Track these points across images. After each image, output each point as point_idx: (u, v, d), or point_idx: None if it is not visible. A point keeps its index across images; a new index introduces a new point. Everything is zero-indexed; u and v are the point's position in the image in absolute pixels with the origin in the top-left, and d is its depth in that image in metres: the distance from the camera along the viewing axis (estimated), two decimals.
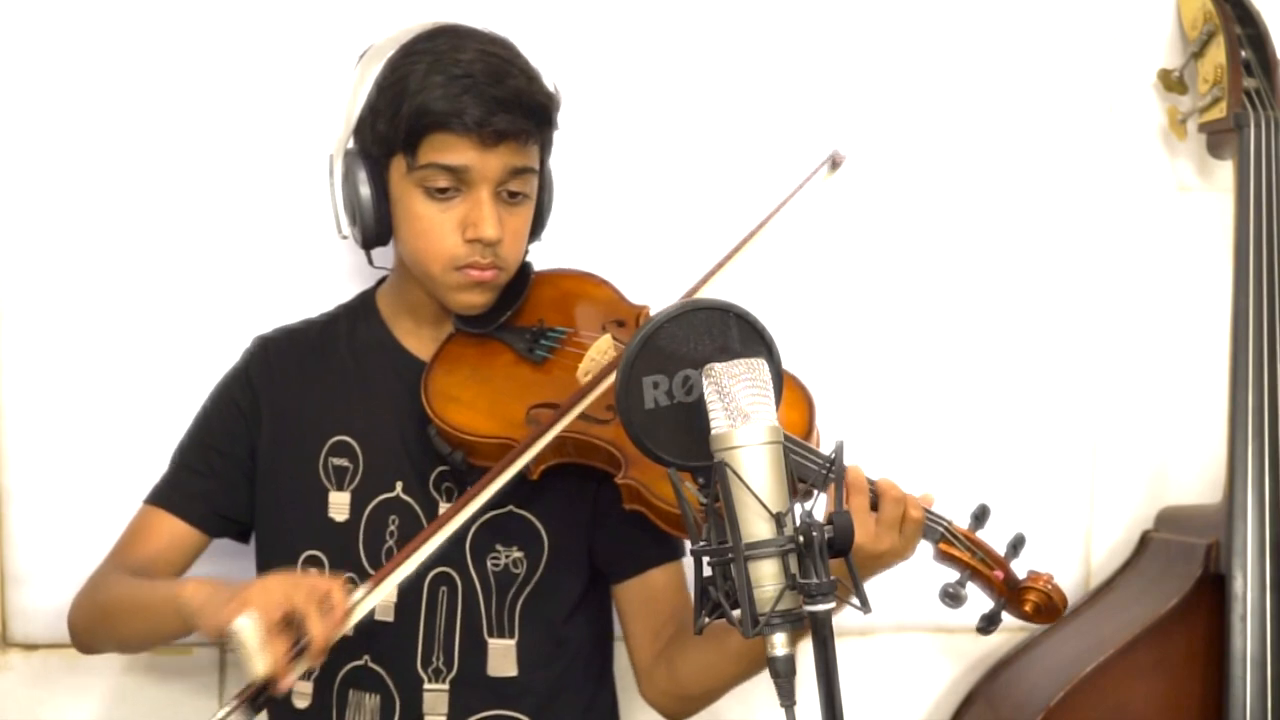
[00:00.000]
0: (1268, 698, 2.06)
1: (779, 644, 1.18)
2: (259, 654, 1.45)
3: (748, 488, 1.19)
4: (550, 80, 1.75)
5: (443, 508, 1.75)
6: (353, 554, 1.76)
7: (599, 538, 1.81)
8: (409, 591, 1.75)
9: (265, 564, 1.82)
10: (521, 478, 1.67)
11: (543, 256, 1.87)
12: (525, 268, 1.82)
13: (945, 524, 1.67)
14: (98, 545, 1.84)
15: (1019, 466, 2.22)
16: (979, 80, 2.21)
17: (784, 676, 1.18)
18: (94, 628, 1.78)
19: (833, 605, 1.18)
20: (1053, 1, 2.23)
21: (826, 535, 1.18)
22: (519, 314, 1.82)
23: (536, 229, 1.82)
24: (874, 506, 1.61)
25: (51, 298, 2.02)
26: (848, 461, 1.62)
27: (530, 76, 1.72)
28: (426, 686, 1.76)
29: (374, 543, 1.77)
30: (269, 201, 2.04)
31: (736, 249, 1.78)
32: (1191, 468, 2.29)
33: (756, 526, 1.19)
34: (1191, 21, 2.24)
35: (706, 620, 1.23)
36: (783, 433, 1.22)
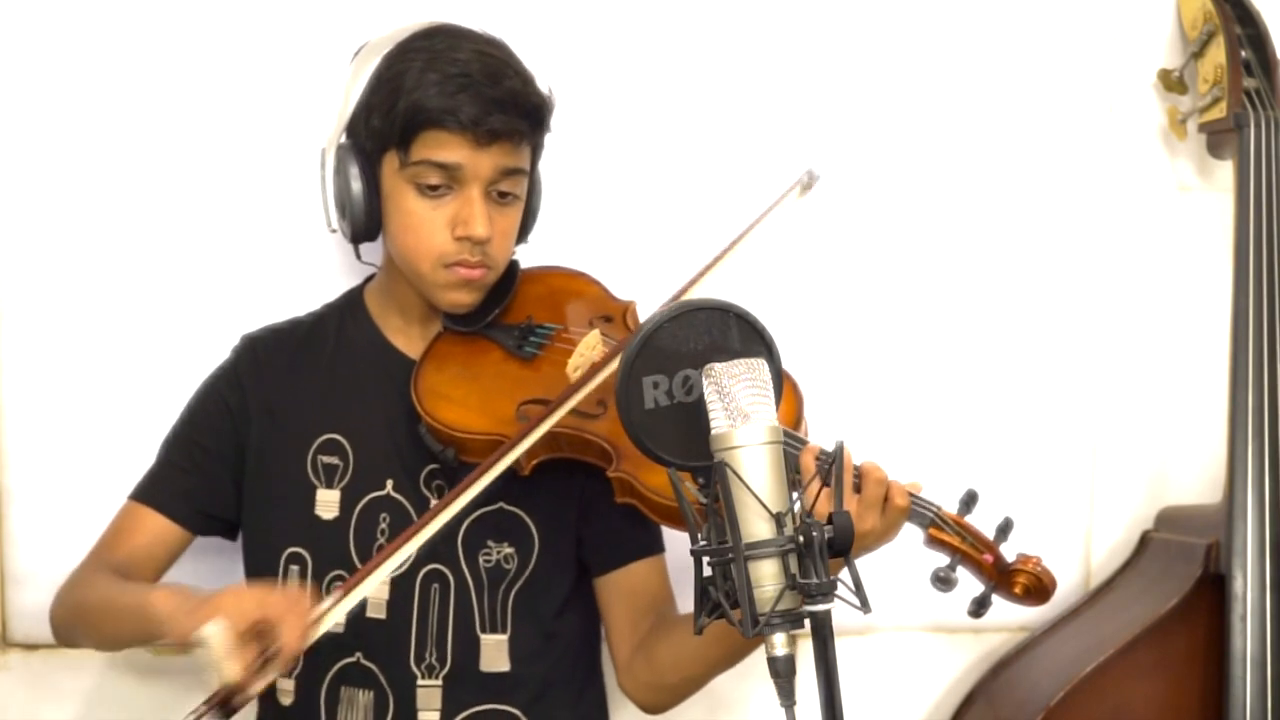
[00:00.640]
0: (1268, 698, 2.06)
1: (779, 644, 1.18)
2: (225, 661, 1.47)
3: (748, 488, 1.19)
4: (545, 83, 1.76)
5: (434, 505, 1.75)
6: (343, 552, 1.77)
7: (584, 531, 1.82)
8: (401, 589, 1.76)
9: (251, 561, 1.83)
10: (513, 473, 1.69)
11: (529, 256, 1.88)
12: (512, 266, 1.84)
13: (934, 509, 1.68)
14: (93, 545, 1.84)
15: (1019, 466, 2.22)
16: (979, 80, 2.21)
17: (784, 676, 1.18)
18: (71, 624, 1.79)
19: (833, 605, 1.18)
20: (1053, 1, 2.23)
21: (826, 535, 1.18)
22: (507, 311, 1.83)
23: (524, 232, 1.84)
24: (857, 488, 1.61)
25: (50, 297, 2.03)
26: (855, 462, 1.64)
27: (525, 79, 1.73)
28: (419, 683, 1.76)
29: (365, 540, 1.77)
30: (265, 199, 2.05)
31: (732, 245, 1.77)
32: (1191, 468, 2.29)
33: (756, 526, 1.19)
34: (1191, 21, 2.24)
35: (707, 620, 1.23)
36: (782, 430, 1.22)
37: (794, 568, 1.18)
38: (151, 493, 1.82)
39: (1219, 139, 2.23)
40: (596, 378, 1.67)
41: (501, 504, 1.77)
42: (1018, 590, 1.70)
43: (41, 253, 2.02)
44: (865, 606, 1.22)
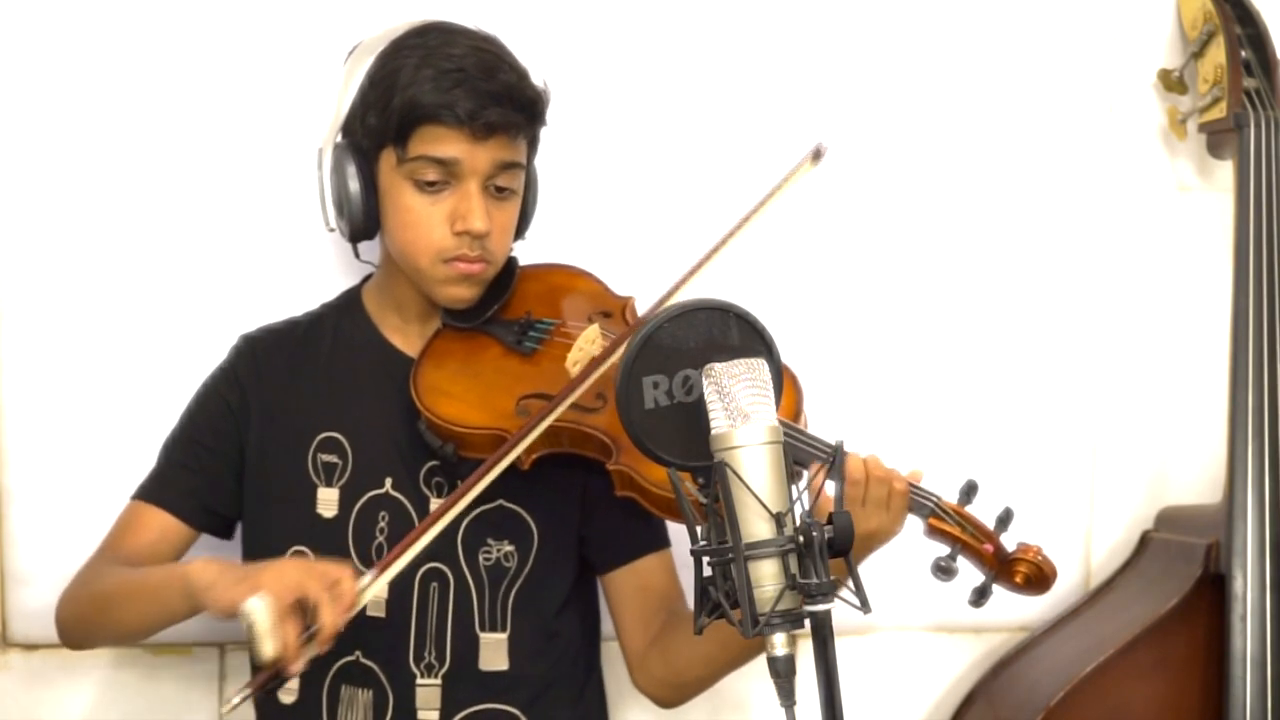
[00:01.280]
0: (1268, 698, 2.06)
1: (779, 644, 1.18)
2: (270, 636, 1.46)
3: (748, 488, 1.19)
4: (539, 78, 1.76)
5: (433, 503, 1.76)
6: (342, 550, 1.77)
7: (588, 528, 1.83)
8: (401, 587, 1.76)
9: (251, 559, 1.81)
10: (513, 469, 1.69)
11: (528, 251, 1.88)
12: (511, 262, 1.84)
13: (935, 500, 1.69)
14: (97, 546, 1.84)
15: (1019, 466, 2.22)
16: (979, 80, 2.21)
17: (784, 676, 1.18)
18: (88, 618, 1.77)
19: (833, 605, 1.18)
20: (1053, 1, 2.23)
21: (826, 535, 1.18)
22: (506, 307, 1.83)
23: (521, 227, 1.84)
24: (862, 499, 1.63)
25: (50, 297, 2.02)
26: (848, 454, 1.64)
27: (520, 73, 1.74)
28: (419, 681, 1.77)
29: (364, 539, 1.77)
30: (262, 199, 2.05)
31: (727, 237, 1.77)
32: (1191, 468, 2.29)
33: (756, 526, 1.19)
34: (1191, 21, 2.24)
35: (707, 620, 1.23)
36: (783, 430, 1.22)
37: (794, 568, 1.18)
38: (156, 491, 1.82)
39: (1219, 139, 2.23)
40: (602, 367, 1.67)
41: (501, 501, 1.77)
42: (1018, 579, 1.70)
43: (41, 253, 2.02)
44: (865, 606, 1.22)
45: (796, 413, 1.71)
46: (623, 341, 1.65)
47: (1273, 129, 2.15)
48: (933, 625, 2.22)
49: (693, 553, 1.24)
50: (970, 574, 1.70)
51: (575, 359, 1.75)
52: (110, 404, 2.03)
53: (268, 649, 1.47)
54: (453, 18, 1.79)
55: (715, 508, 1.21)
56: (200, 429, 1.83)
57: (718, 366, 1.22)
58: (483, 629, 1.78)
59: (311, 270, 2.01)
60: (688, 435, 1.24)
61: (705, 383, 1.22)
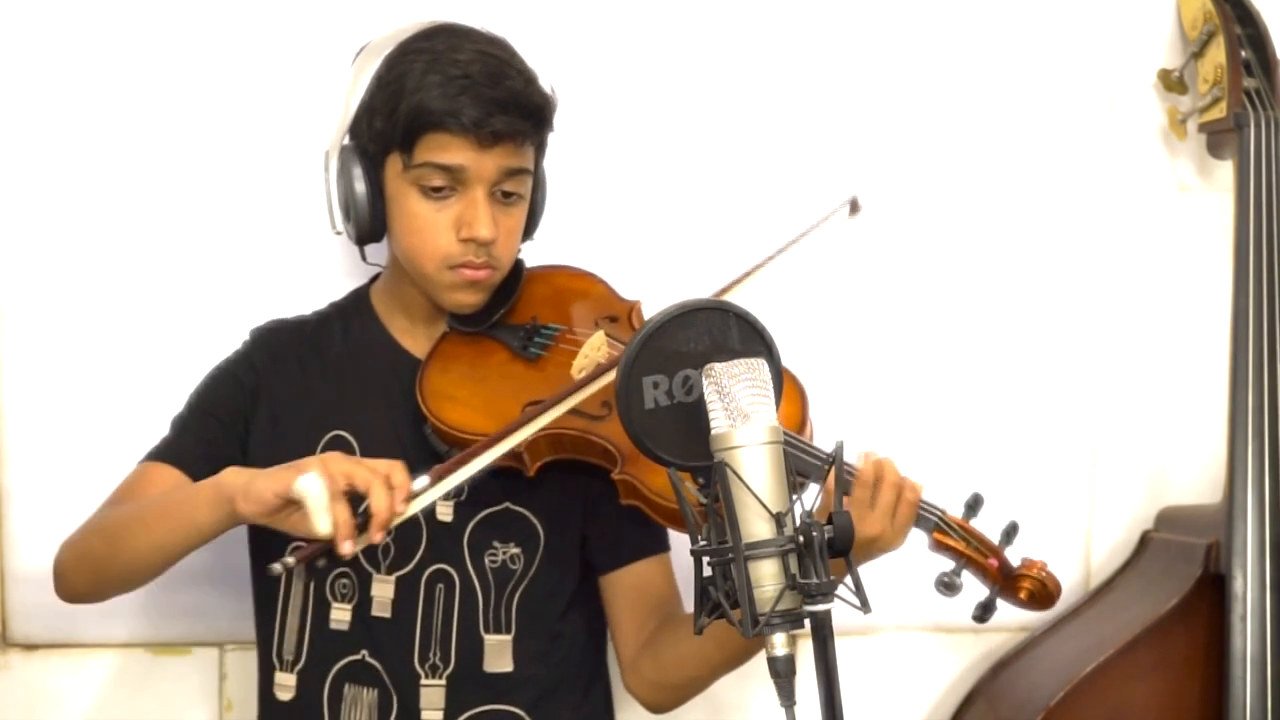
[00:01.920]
0: (1268, 698, 2.06)
1: (779, 644, 1.18)
2: (324, 512, 1.46)
3: (748, 488, 1.19)
4: (547, 82, 1.75)
5: (439, 505, 1.75)
6: None
7: (589, 530, 1.83)
8: (406, 588, 1.76)
9: (259, 555, 1.83)
10: (518, 474, 1.69)
11: (535, 253, 1.88)
12: (517, 265, 1.84)
13: (939, 513, 1.68)
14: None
15: (1019, 467, 2.22)
16: (979, 80, 2.21)
17: (784, 676, 1.18)
18: (95, 555, 1.72)
19: (833, 605, 1.18)
20: (1053, 1, 2.23)
21: (826, 535, 1.18)
22: (512, 312, 1.83)
23: (529, 229, 1.83)
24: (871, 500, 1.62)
25: (51, 297, 2.03)
26: (849, 453, 1.63)
27: (528, 78, 1.73)
28: (423, 682, 1.77)
29: None
30: (264, 199, 2.05)
31: (745, 275, 1.76)
32: (1191, 468, 2.29)
33: (756, 526, 1.19)
34: (1191, 21, 2.24)
35: (707, 620, 1.23)
36: (782, 431, 1.22)
37: (794, 568, 1.18)
38: (168, 453, 1.79)
39: (1219, 139, 2.23)
40: (607, 375, 1.67)
41: (507, 504, 1.77)
42: (1023, 595, 1.70)
43: (42, 253, 2.02)
44: (865, 606, 1.22)
45: (802, 421, 1.71)
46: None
47: (1273, 129, 2.15)
48: (933, 625, 2.22)
49: (693, 553, 1.24)
50: (974, 588, 1.70)
51: (581, 366, 1.75)
52: (110, 404, 2.03)
53: (323, 524, 1.46)
54: (462, 18, 1.78)
55: (715, 508, 1.21)
56: (212, 403, 1.82)
57: (718, 366, 1.22)
58: (487, 630, 1.78)
59: (318, 272, 2.01)
60: (688, 435, 1.24)
61: (705, 383, 1.22)
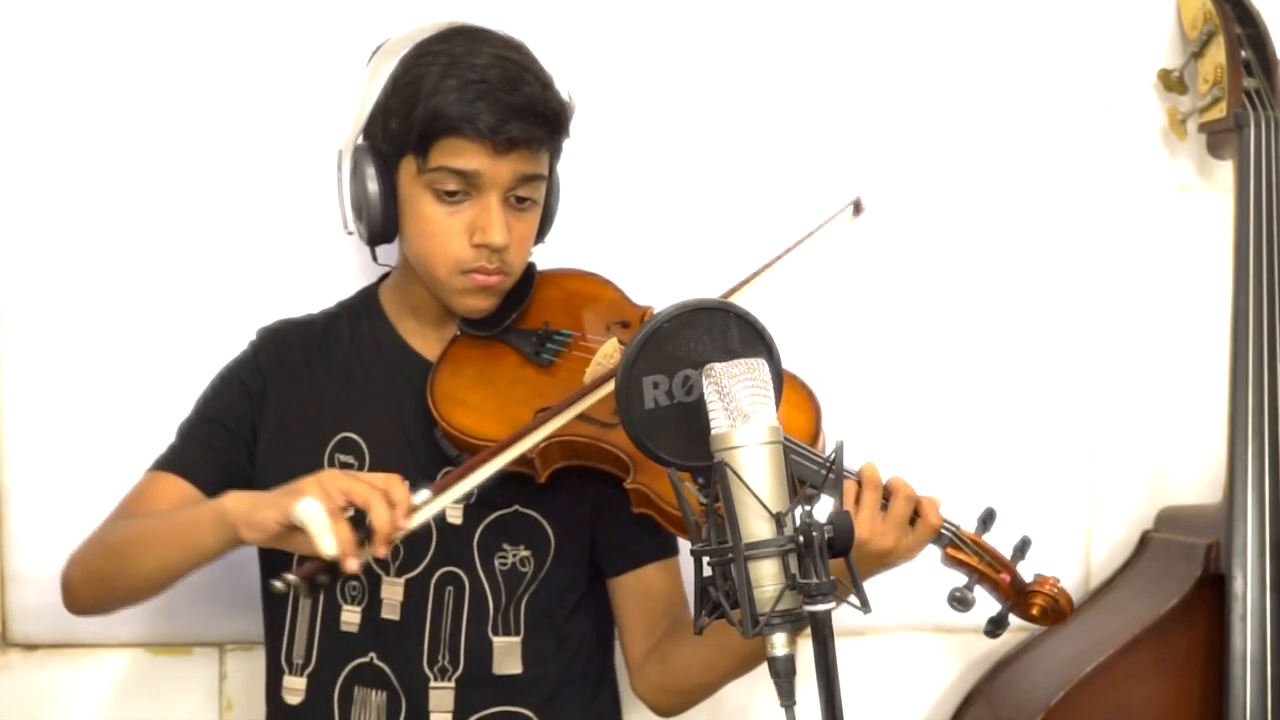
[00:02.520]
0: (1268, 698, 2.06)
1: (779, 644, 1.18)
2: (326, 534, 1.47)
3: (748, 488, 1.19)
4: (564, 88, 1.75)
5: (449, 508, 1.74)
6: None
7: (599, 533, 1.82)
8: (416, 591, 1.76)
9: (268, 558, 1.82)
10: (529, 479, 1.69)
11: (547, 256, 1.88)
12: (529, 268, 1.83)
13: (953, 528, 1.67)
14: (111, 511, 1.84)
15: (1019, 467, 2.22)
16: (979, 80, 2.21)
17: (784, 676, 1.18)
18: (104, 571, 1.73)
19: (833, 605, 1.18)
20: (1053, 1, 2.23)
21: (826, 535, 1.18)
22: (524, 316, 1.82)
23: (541, 232, 1.83)
24: (884, 506, 1.62)
25: (51, 297, 2.02)
26: (857, 460, 1.63)
27: (545, 84, 1.72)
28: (432, 685, 1.76)
29: None
30: (271, 198, 2.04)
31: (749, 279, 1.75)
32: (1191, 468, 2.28)
33: (756, 526, 1.19)
34: (1191, 21, 2.24)
35: (707, 620, 1.23)
36: (784, 435, 1.22)
37: (794, 568, 1.18)
38: (176, 462, 1.79)
39: (1219, 139, 2.23)
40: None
41: (517, 507, 1.77)
42: (1035, 611, 1.69)
43: (42, 253, 2.02)
44: (865, 606, 1.22)
45: (815, 433, 1.70)
46: None
47: (1273, 129, 2.15)
48: (933, 625, 2.22)
49: (693, 553, 1.24)
50: (986, 603, 1.70)
51: (593, 374, 1.74)
52: (111, 404, 2.03)
53: (326, 545, 1.47)
54: (479, 19, 1.77)
55: (715, 508, 1.21)
56: (219, 410, 1.82)
57: (718, 366, 1.22)
58: (496, 633, 1.78)
59: (328, 271, 2.01)
60: (688, 435, 1.24)
61: (705, 383, 1.22)
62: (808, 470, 1.60)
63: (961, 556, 1.67)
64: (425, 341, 1.83)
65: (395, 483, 1.53)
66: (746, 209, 2.13)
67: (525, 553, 1.78)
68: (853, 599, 1.21)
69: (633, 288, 1.87)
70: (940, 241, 2.21)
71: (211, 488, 1.76)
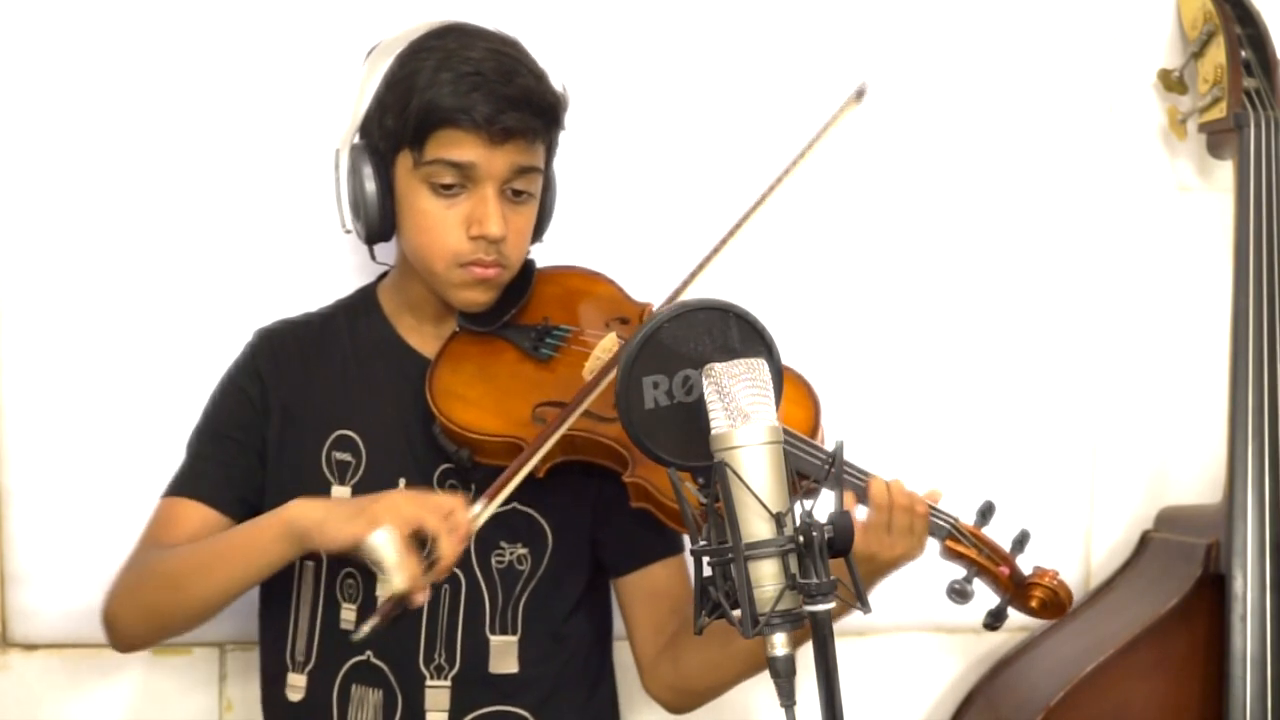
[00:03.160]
0: (1268, 698, 2.06)
1: (779, 644, 1.18)
2: (399, 569, 1.49)
3: (748, 488, 1.19)
4: (558, 81, 1.75)
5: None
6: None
7: (602, 532, 1.82)
8: None
9: None
10: (528, 476, 1.68)
11: (546, 255, 1.88)
12: (528, 265, 1.83)
13: (951, 521, 1.68)
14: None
15: (1019, 466, 2.22)
16: (979, 80, 2.21)
17: (784, 676, 1.18)
18: (157, 604, 1.72)
19: (833, 605, 1.18)
20: (1053, 1, 2.23)
21: (826, 535, 1.18)
22: (523, 312, 1.82)
23: (539, 230, 1.83)
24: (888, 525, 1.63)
25: (51, 297, 2.02)
26: (857, 459, 1.64)
27: (539, 76, 1.73)
28: (428, 683, 1.77)
29: None
30: (270, 198, 2.04)
31: (774, 185, 1.77)
32: (1191, 468, 2.29)
33: (756, 526, 1.19)
34: (1191, 21, 2.24)
35: (706, 620, 1.23)
36: (784, 432, 1.22)
37: (794, 568, 1.18)
38: (190, 486, 1.80)
39: (1219, 139, 2.23)
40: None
41: (515, 505, 1.76)
42: (1034, 604, 1.70)
43: (41, 253, 2.02)
44: (865, 607, 1.22)
45: (814, 427, 1.70)
46: None
47: (1273, 129, 2.15)
48: (933, 625, 2.22)
49: (693, 552, 1.24)
50: (985, 595, 1.70)
51: (592, 368, 1.74)
52: (111, 404, 2.02)
53: (399, 581, 1.49)
54: (473, 19, 1.78)
55: (715, 508, 1.21)
56: (225, 422, 1.82)
57: (718, 366, 1.22)
58: (493, 632, 1.78)
59: (327, 271, 2.01)
60: (688, 435, 1.24)
61: (705, 383, 1.22)
62: (809, 465, 1.61)
63: (960, 549, 1.68)
64: (423, 339, 1.83)
65: (459, 507, 1.56)
66: (746, 206, 2.12)
67: (522, 551, 1.78)
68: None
69: (632, 285, 1.87)
70: (942, 243, 2.21)
71: (229, 507, 1.78)
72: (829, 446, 1.70)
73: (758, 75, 2.15)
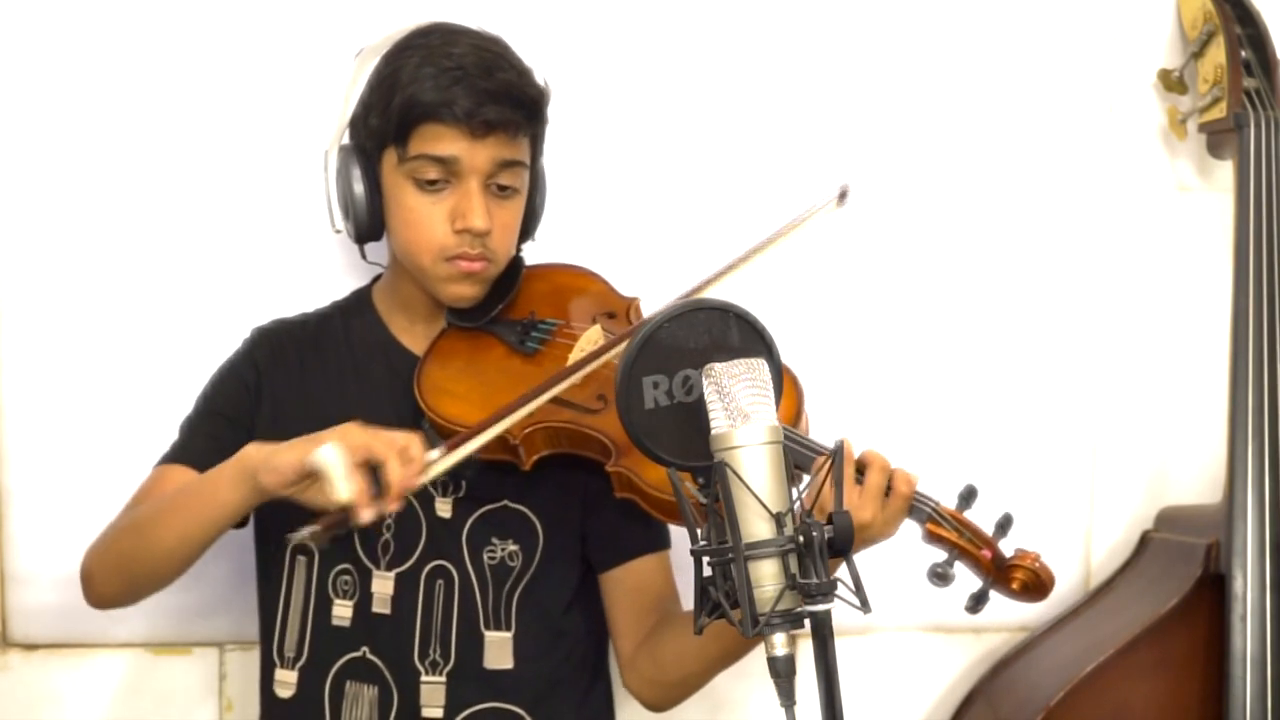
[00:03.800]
0: (1268, 698, 2.06)
1: (779, 644, 1.18)
2: (344, 480, 1.49)
3: (748, 488, 1.19)
4: (541, 77, 1.76)
5: (439, 502, 1.76)
6: (347, 546, 1.77)
7: (589, 526, 1.83)
8: (406, 585, 1.77)
9: (264, 554, 1.84)
10: (515, 469, 1.70)
11: (535, 253, 1.88)
12: (517, 262, 1.85)
13: (933, 504, 1.68)
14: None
15: (1019, 466, 2.22)
16: (979, 80, 2.21)
17: (784, 676, 1.18)
18: (125, 552, 1.72)
19: (833, 605, 1.18)
20: (1053, 1, 2.23)
21: (826, 535, 1.18)
22: (511, 308, 1.83)
23: (529, 228, 1.84)
24: (859, 479, 1.62)
25: (51, 297, 2.03)
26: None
27: (521, 71, 1.74)
28: (423, 679, 1.77)
29: (370, 535, 1.77)
30: (263, 199, 2.05)
31: (757, 249, 1.77)
32: (1191, 468, 2.29)
33: (756, 526, 1.19)
34: (1191, 21, 2.24)
35: (707, 620, 1.23)
36: (783, 431, 1.22)
37: (794, 568, 1.18)
38: (182, 455, 1.80)
39: (1219, 139, 2.23)
40: (604, 357, 1.68)
41: (505, 501, 1.78)
42: (1015, 586, 1.70)
43: (41, 253, 2.02)
44: (865, 606, 1.22)
45: (797, 415, 1.71)
46: (629, 332, 1.66)
47: (1273, 129, 2.15)
48: (932, 625, 2.22)
49: (693, 553, 1.24)
50: (967, 579, 1.70)
51: (576, 359, 1.75)
52: (111, 404, 2.03)
53: (343, 491, 1.49)
54: (461, 20, 1.79)
55: (715, 508, 1.21)
56: (220, 403, 1.83)
57: (718, 366, 1.22)
58: (487, 627, 1.78)
59: (320, 272, 2.01)
60: (688, 435, 1.24)
61: (705, 383, 1.22)
62: (803, 456, 1.61)
63: (942, 532, 1.68)
64: (415, 338, 1.84)
65: (414, 441, 1.55)
66: (737, 204, 2.12)
67: (514, 547, 1.79)
68: (853, 599, 1.21)
69: (620, 281, 1.88)
70: (942, 242, 2.21)
71: None
72: (813, 434, 1.70)
73: (750, 71, 2.16)
